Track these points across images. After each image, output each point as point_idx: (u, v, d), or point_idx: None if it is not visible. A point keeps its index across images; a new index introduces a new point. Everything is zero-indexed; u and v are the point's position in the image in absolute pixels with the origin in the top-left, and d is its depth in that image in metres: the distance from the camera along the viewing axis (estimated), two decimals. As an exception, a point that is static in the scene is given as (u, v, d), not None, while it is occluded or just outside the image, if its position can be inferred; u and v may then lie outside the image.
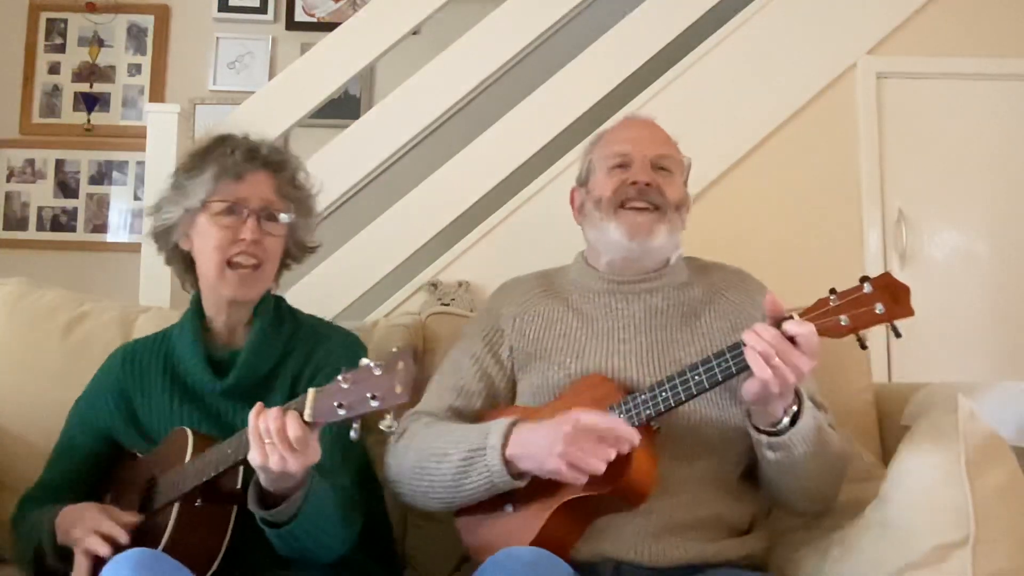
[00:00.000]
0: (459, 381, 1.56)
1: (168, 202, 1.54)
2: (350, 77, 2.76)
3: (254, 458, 1.21)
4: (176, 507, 1.35)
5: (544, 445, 1.30)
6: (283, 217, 1.52)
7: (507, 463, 1.34)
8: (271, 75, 3.59)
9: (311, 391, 1.20)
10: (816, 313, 1.30)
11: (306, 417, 1.19)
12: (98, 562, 1.30)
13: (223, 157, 1.51)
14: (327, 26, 3.41)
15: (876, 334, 2.60)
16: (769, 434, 1.35)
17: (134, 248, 2.81)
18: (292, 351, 1.55)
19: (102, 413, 1.57)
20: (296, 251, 1.63)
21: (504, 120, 2.70)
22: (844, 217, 2.66)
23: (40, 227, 3.56)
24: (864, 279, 1.29)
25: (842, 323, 1.28)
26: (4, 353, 1.80)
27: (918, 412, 1.62)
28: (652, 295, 1.57)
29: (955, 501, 1.27)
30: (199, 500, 1.35)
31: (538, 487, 1.36)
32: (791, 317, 1.30)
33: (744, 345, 1.29)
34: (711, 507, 1.44)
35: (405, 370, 1.13)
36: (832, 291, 1.30)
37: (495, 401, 1.57)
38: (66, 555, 1.40)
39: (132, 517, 1.39)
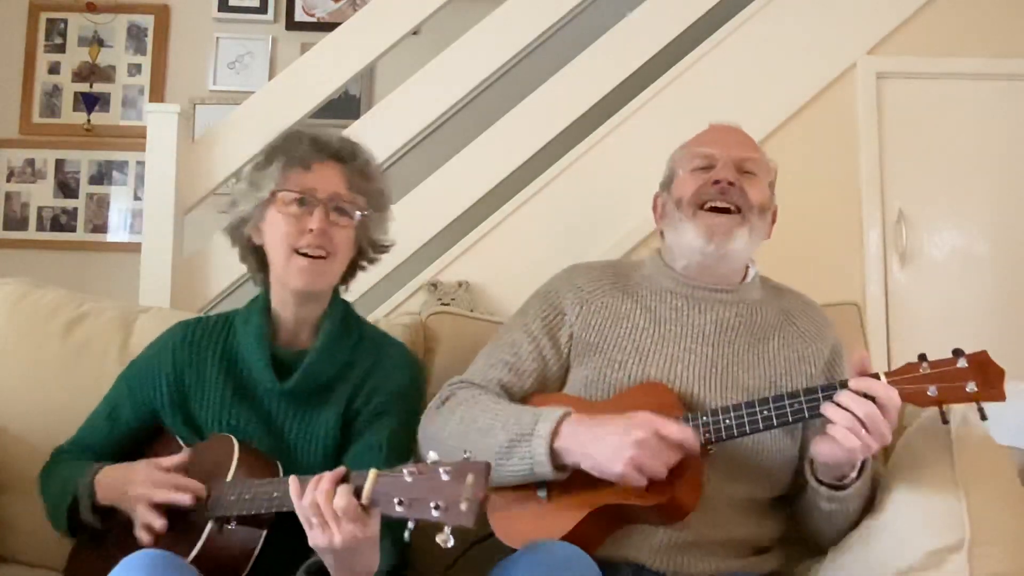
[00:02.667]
0: (513, 357, 1.51)
1: (241, 196, 1.52)
2: (350, 77, 2.76)
3: (312, 538, 1.16)
4: (209, 525, 1.33)
5: (608, 448, 1.26)
6: (356, 214, 1.49)
7: (553, 454, 1.30)
8: (271, 75, 3.60)
9: (373, 472, 1.13)
10: (904, 377, 1.26)
11: (363, 500, 1.14)
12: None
13: (292, 148, 1.50)
14: (327, 26, 3.40)
15: (874, 335, 2.61)
16: (831, 487, 1.34)
17: (134, 248, 2.81)
18: (355, 362, 1.51)
19: (152, 389, 1.53)
20: (369, 250, 1.58)
21: (504, 120, 2.70)
22: (844, 217, 2.66)
23: (40, 227, 3.57)
24: (958, 352, 1.25)
25: (929, 393, 1.24)
26: (4, 353, 1.80)
27: (915, 413, 1.62)
28: (725, 308, 1.50)
29: (950, 505, 1.27)
30: (233, 523, 1.33)
31: (576, 481, 1.31)
32: (877, 376, 1.26)
33: (821, 394, 1.27)
34: (743, 528, 1.41)
35: (474, 486, 1.05)
36: (922, 357, 1.26)
37: (545, 384, 1.51)
38: (102, 512, 1.41)
39: (192, 483, 1.36)
